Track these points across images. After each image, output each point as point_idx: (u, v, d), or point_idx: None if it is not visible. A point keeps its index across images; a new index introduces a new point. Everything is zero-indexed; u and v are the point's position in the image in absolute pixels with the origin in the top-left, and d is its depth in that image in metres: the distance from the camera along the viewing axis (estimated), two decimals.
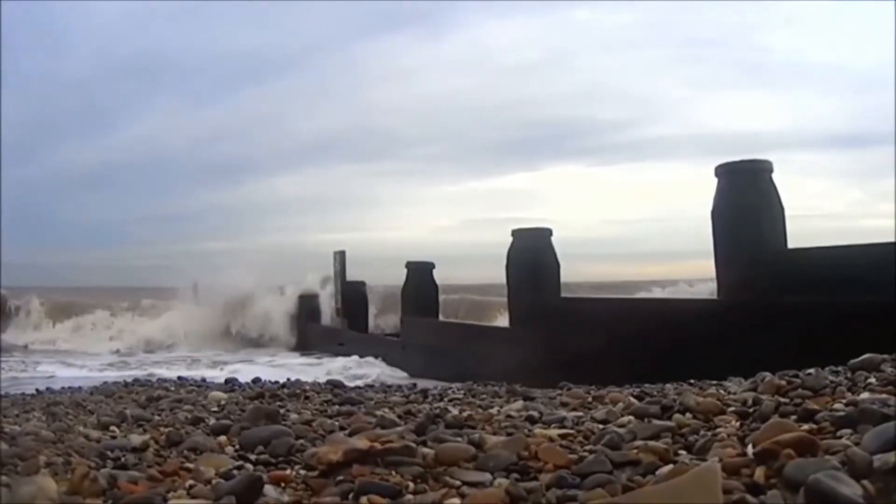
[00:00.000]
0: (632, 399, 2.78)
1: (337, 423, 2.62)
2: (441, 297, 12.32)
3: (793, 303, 5.48)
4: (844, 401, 2.07)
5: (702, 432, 1.99)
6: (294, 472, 1.85)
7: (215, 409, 3.29)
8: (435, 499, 1.55)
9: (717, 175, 6.55)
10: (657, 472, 1.61)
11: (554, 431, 2.16)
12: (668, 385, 3.46)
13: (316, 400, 3.57)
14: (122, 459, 2.05)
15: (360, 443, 1.88)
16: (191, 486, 1.70)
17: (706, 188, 6.71)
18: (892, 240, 5.17)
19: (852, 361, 2.78)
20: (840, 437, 1.66)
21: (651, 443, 1.86)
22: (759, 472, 1.47)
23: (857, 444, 1.54)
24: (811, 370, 2.88)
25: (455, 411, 2.73)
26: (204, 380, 5.22)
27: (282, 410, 2.95)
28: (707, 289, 7.07)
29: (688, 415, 2.23)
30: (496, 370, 6.84)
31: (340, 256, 15.69)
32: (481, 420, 2.51)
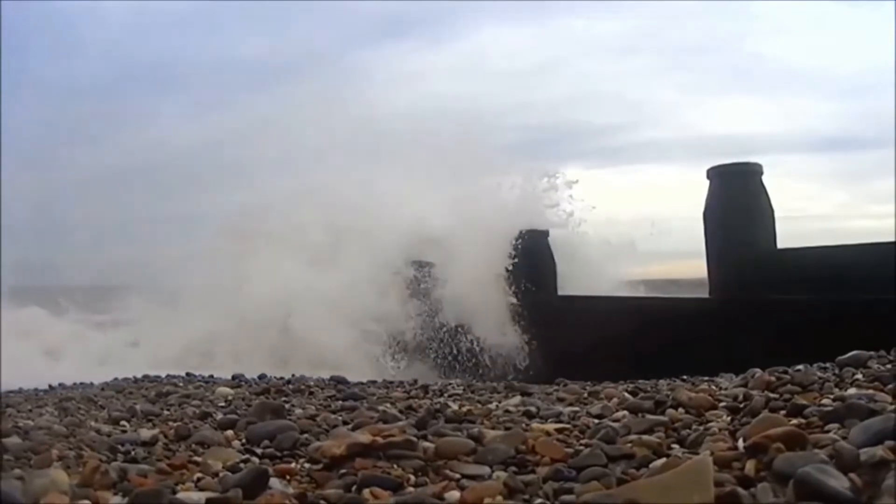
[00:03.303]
0: (626, 394, 2.81)
1: (340, 418, 2.65)
2: None
3: (782, 301, 5.55)
4: (832, 396, 2.12)
5: (694, 427, 2.03)
6: (299, 466, 1.89)
7: (222, 404, 3.30)
8: (435, 491, 1.58)
9: (708, 177, 6.61)
10: (651, 466, 1.65)
11: (551, 426, 2.21)
12: (661, 381, 3.49)
13: (320, 395, 3.58)
14: (132, 453, 2.09)
15: (363, 437, 1.92)
16: (199, 479, 1.74)
17: (698, 190, 6.80)
18: (879, 240, 5.24)
19: (840, 358, 2.82)
20: (828, 432, 1.69)
21: (645, 437, 1.91)
22: (750, 466, 1.51)
23: (844, 438, 1.58)
24: (800, 366, 2.92)
25: (455, 406, 2.76)
26: (212, 376, 5.22)
27: (287, 405, 2.96)
28: (700, 288, 7.11)
29: (680, 410, 2.27)
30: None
31: None
32: (480, 415, 2.54)
